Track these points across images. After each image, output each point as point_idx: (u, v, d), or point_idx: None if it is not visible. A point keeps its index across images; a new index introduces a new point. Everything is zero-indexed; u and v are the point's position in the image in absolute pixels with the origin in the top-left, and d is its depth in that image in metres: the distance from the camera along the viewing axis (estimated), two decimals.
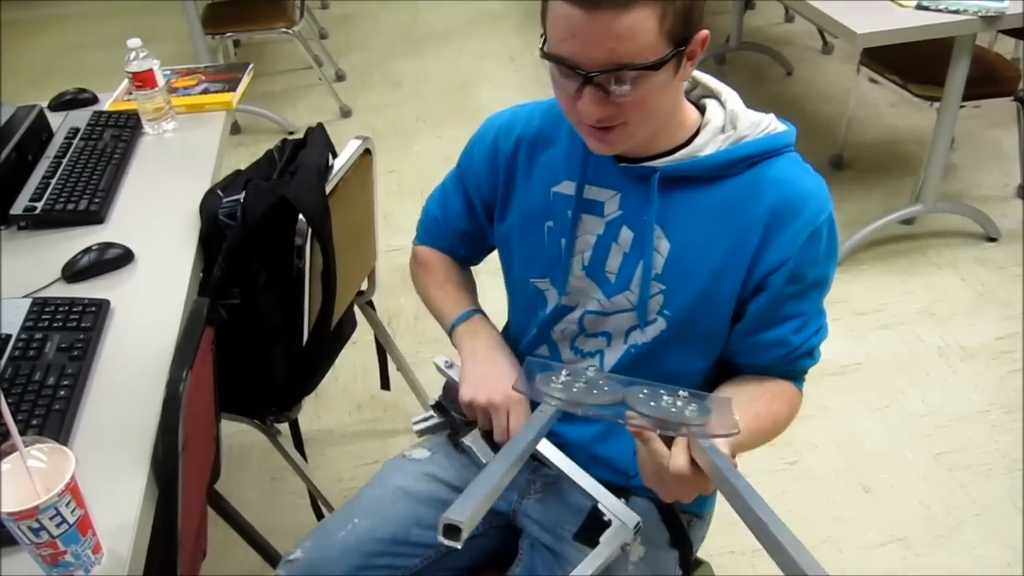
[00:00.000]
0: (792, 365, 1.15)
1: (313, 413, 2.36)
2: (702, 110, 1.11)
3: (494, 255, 1.34)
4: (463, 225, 1.32)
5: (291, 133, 3.67)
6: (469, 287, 1.37)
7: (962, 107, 2.59)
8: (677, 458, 0.94)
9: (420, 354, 2.44)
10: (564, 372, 1.03)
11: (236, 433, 1.84)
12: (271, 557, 1.79)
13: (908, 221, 2.91)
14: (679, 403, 0.96)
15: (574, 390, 0.99)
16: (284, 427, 1.82)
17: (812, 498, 2.05)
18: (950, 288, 2.67)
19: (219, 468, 1.57)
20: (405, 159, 3.49)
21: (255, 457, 2.22)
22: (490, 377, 1.20)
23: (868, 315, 2.57)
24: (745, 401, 1.11)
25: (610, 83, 0.94)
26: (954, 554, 1.90)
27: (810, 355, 1.15)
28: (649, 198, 1.09)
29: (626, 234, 1.12)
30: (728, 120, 1.08)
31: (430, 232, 1.38)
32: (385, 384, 2.12)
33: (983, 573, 1.86)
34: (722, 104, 1.10)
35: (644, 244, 1.11)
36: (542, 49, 0.99)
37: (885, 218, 2.80)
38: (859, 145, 3.37)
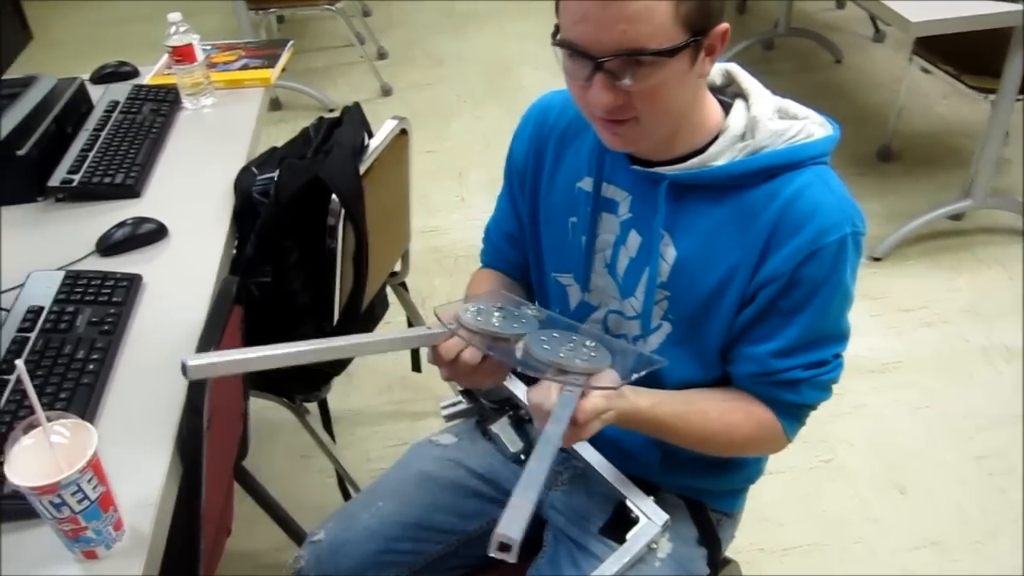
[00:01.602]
0: (768, 390, 1.08)
1: (343, 393, 2.36)
2: (729, 110, 1.05)
3: None
4: (509, 227, 1.28)
5: (331, 110, 3.67)
6: (510, 286, 1.30)
7: (1018, 100, 2.51)
8: (540, 389, 0.95)
9: None
10: (498, 305, 1.06)
11: (266, 408, 1.85)
12: (296, 535, 1.79)
13: (956, 216, 2.83)
14: (579, 351, 0.98)
15: (490, 318, 1.01)
16: (313, 406, 1.82)
17: (846, 497, 2.01)
18: (997, 286, 2.60)
19: (247, 446, 1.58)
20: (444, 139, 3.47)
21: (284, 433, 2.23)
22: None
23: (911, 312, 2.51)
24: (700, 398, 1.10)
25: (620, 70, 0.91)
26: (989, 560, 1.85)
27: (794, 388, 1.06)
28: (657, 205, 1.05)
29: (634, 238, 1.09)
30: (748, 127, 1.02)
31: (485, 249, 1.34)
32: (416, 366, 2.12)
33: None
34: (748, 107, 1.04)
35: (651, 251, 1.07)
36: (554, 37, 0.95)
37: (933, 212, 2.73)
38: (909, 136, 3.29)
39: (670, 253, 1.06)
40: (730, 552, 1.37)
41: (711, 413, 1.09)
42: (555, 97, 1.20)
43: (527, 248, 1.26)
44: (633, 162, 1.07)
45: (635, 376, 0.97)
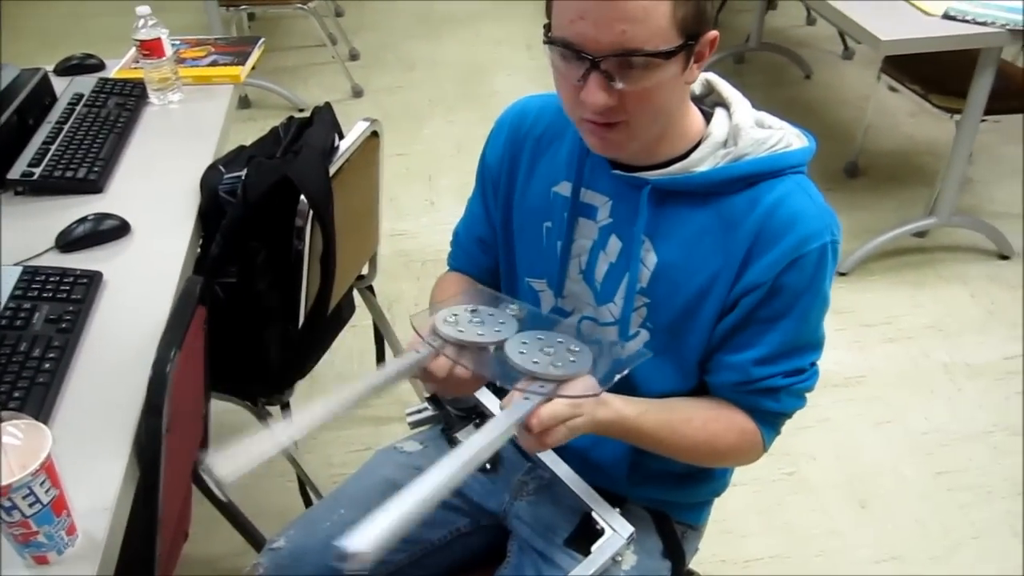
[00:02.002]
0: (748, 399, 1.08)
1: (306, 395, 2.31)
2: (710, 119, 1.05)
3: None
4: (480, 232, 1.26)
5: (301, 110, 3.63)
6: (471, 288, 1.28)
7: (983, 120, 2.55)
8: (508, 399, 0.95)
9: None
10: (474, 308, 1.04)
11: (227, 411, 1.82)
12: (255, 540, 1.76)
13: (920, 234, 2.87)
14: (558, 355, 0.96)
15: (469, 326, 1.00)
16: (275, 409, 1.79)
17: (808, 510, 2.02)
18: (960, 304, 2.63)
19: (206, 448, 1.55)
20: (415, 142, 3.45)
21: (245, 436, 2.19)
22: None
23: (875, 327, 2.53)
24: (684, 405, 1.10)
25: (616, 70, 0.90)
26: None
27: (774, 396, 1.06)
28: (639, 210, 1.04)
29: (614, 243, 1.09)
30: (731, 135, 1.02)
31: (454, 252, 1.32)
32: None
33: None
34: (730, 116, 1.04)
35: (631, 256, 1.06)
36: (546, 36, 0.94)
37: (898, 229, 2.76)
38: (875, 153, 3.33)
39: (651, 259, 1.05)
40: (692, 564, 1.37)
41: (695, 422, 1.09)
42: (531, 102, 1.19)
43: (499, 253, 1.25)
44: (614, 167, 1.06)
45: (618, 376, 0.96)
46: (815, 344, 1.07)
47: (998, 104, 2.54)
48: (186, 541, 1.45)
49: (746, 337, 1.05)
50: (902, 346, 2.48)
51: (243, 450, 0.84)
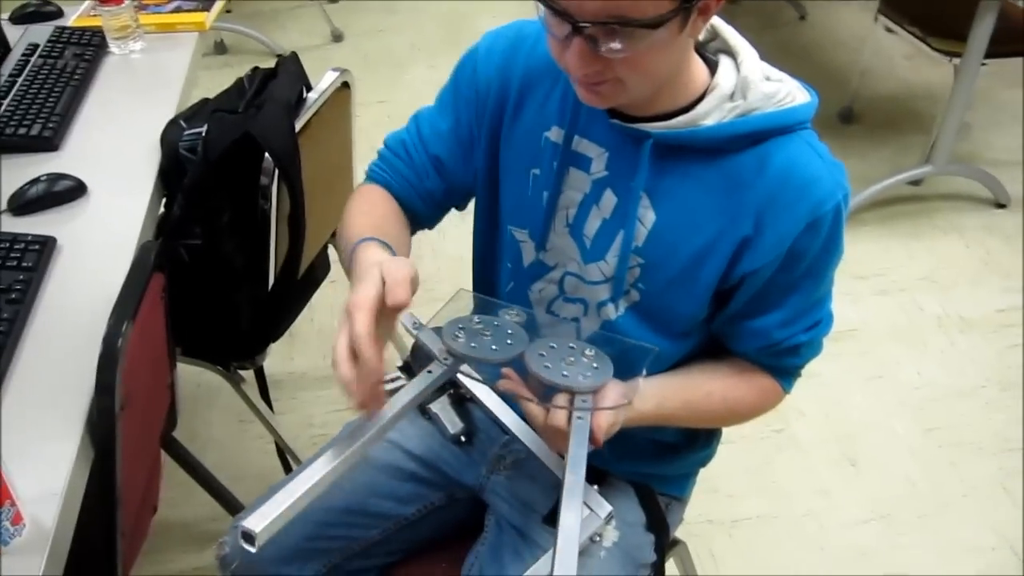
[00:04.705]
0: (773, 360, 1.06)
1: (285, 356, 2.27)
2: (714, 68, 0.97)
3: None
4: (442, 151, 1.12)
5: (279, 56, 3.51)
6: (400, 228, 1.11)
7: (983, 64, 2.46)
8: (554, 416, 0.92)
9: None
10: (476, 319, 0.98)
11: (204, 371, 1.77)
12: (231, 506, 1.73)
13: (916, 182, 2.80)
14: (580, 364, 0.94)
15: (481, 339, 0.95)
16: (249, 374, 1.74)
17: (797, 469, 1.99)
18: (954, 255, 2.58)
19: (175, 417, 1.50)
20: (396, 89, 3.34)
21: (223, 397, 2.14)
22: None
23: (867, 279, 2.48)
24: (703, 379, 1.08)
25: (602, 36, 0.82)
26: (937, 534, 1.84)
27: (795, 352, 1.05)
28: (639, 164, 0.97)
29: (609, 198, 1.01)
30: (739, 87, 0.95)
31: (389, 164, 1.15)
32: None
33: (966, 556, 1.80)
34: (737, 66, 0.96)
35: (627, 214, 0.99)
36: None
37: (892, 178, 2.69)
38: (871, 98, 3.23)
39: (649, 217, 0.99)
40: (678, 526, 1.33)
41: (715, 396, 1.08)
42: (529, 27, 1.08)
43: (478, 193, 1.14)
44: (612, 115, 0.98)
45: (644, 375, 0.95)
46: (829, 291, 1.06)
47: (999, 47, 2.45)
48: (154, 514, 1.40)
49: (767, 303, 1.01)
50: (895, 298, 2.43)
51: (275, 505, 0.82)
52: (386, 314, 0.86)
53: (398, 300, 0.85)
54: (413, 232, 1.16)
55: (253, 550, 0.79)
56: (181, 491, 1.84)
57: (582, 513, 0.95)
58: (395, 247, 1.00)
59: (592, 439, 0.92)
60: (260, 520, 0.79)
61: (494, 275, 1.17)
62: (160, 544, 1.82)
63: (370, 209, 1.11)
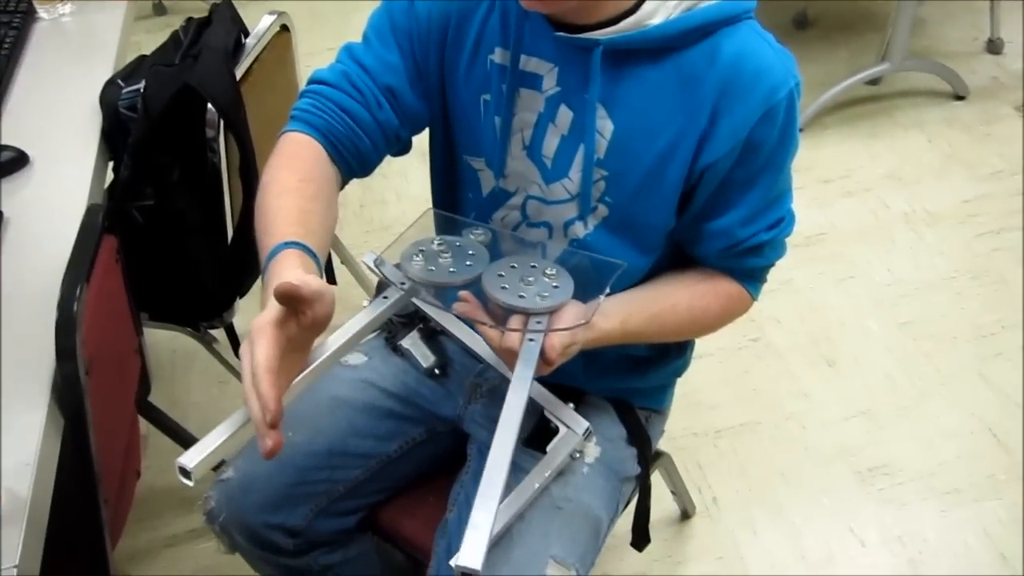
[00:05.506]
0: (736, 262, 1.05)
1: (255, 311, 2.24)
2: None
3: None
4: (392, 80, 1.04)
5: (213, 4, 3.42)
6: (325, 207, 0.99)
7: None
8: (507, 338, 0.92)
9: (368, 244, 2.33)
10: (437, 241, 0.98)
11: (178, 336, 1.75)
12: (217, 466, 1.72)
13: (874, 81, 2.79)
14: (540, 284, 0.93)
15: (439, 261, 0.95)
16: (220, 333, 1.72)
17: (775, 375, 2.00)
18: (917, 150, 2.58)
19: (148, 381, 1.48)
20: (346, 35, 3.25)
21: (200, 361, 2.12)
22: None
23: (833, 182, 2.48)
24: (667, 291, 1.07)
25: None
26: (917, 424, 1.87)
27: (759, 252, 1.04)
28: (590, 75, 0.95)
29: (564, 114, 0.99)
30: None
31: (331, 102, 1.04)
32: (331, 278, 2.02)
33: (946, 442, 1.83)
34: None
35: (585, 127, 0.98)
36: None
37: (850, 79, 2.67)
38: (824, 2, 3.20)
39: (607, 127, 0.97)
40: (663, 441, 1.35)
41: (680, 307, 1.06)
42: None
43: (432, 127, 1.11)
44: (558, 29, 0.96)
45: (607, 293, 0.94)
46: (788, 189, 1.04)
47: None
48: (139, 479, 1.40)
49: (726, 200, 0.99)
50: (861, 199, 2.43)
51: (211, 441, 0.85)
52: (302, 330, 0.85)
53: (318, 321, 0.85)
54: (343, 185, 1.07)
55: (191, 484, 0.82)
56: (168, 457, 1.83)
57: (521, 434, 0.93)
58: (317, 242, 0.91)
59: (545, 358, 0.91)
60: (195, 455, 0.82)
61: (455, 208, 1.15)
62: (152, 510, 1.81)
63: (296, 185, 0.97)
